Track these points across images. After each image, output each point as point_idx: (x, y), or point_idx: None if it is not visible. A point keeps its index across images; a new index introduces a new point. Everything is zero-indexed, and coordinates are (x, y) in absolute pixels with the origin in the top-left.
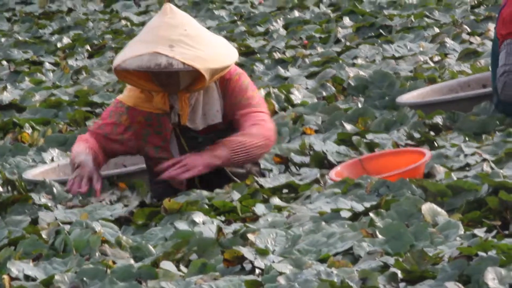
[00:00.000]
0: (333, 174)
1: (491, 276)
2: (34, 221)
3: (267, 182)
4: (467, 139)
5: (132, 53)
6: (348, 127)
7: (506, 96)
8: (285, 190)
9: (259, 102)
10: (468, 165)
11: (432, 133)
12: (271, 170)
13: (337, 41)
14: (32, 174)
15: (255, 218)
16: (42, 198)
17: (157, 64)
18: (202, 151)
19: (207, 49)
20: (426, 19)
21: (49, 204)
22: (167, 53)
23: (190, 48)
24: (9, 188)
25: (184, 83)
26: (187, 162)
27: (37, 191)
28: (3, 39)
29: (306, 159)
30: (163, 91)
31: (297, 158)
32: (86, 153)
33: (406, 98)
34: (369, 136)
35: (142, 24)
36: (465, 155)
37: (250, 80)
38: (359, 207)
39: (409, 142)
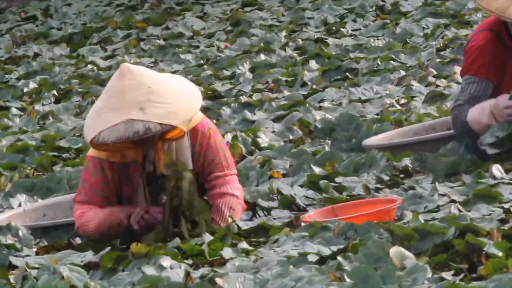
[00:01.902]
0: (306, 217)
1: None
2: (5, 266)
3: (246, 225)
4: (439, 179)
5: (104, 124)
6: (317, 170)
7: (455, 131)
8: (258, 232)
9: (230, 162)
10: (438, 207)
11: (401, 175)
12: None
13: (304, 84)
14: None
15: (223, 262)
16: (8, 240)
17: (135, 132)
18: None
19: (175, 101)
20: (392, 62)
21: (17, 246)
22: (141, 117)
23: (160, 105)
24: None
25: (157, 135)
26: None
27: (3, 233)
28: None
29: (274, 204)
30: (137, 146)
31: (265, 203)
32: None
33: (372, 141)
34: (338, 179)
35: (109, 68)
36: (439, 195)
37: (221, 136)
38: (326, 251)
39: (378, 186)
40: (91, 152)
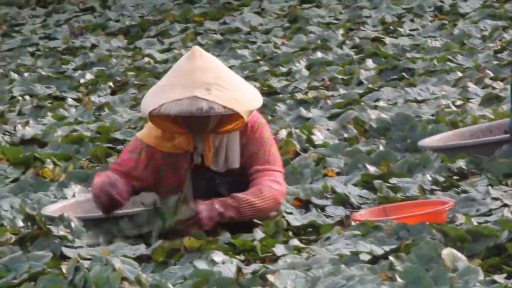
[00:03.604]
0: (357, 216)
1: None
2: (57, 256)
3: (296, 220)
4: (495, 181)
5: (167, 98)
6: (372, 169)
7: None
8: (309, 229)
9: (276, 158)
10: (490, 210)
11: (456, 177)
12: (290, 213)
13: (360, 83)
14: (50, 210)
15: (275, 258)
16: (60, 231)
17: (198, 108)
18: (212, 204)
19: (240, 91)
20: (449, 63)
21: (69, 237)
22: (206, 97)
23: (226, 91)
24: (29, 223)
25: (211, 125)
26: (201, 220)
27: (55, 224)
28: (26, 74)
29: (328, 202)
30: (189, 133)
31: (318, 201)
32: (110, 178)
33: (428, 142)
34: (392, 180)
35: (165, 61)
36: (492, 199)
37: (271, 133)
38: (379, 250)
39: (434, 187)
40: (140, 134)
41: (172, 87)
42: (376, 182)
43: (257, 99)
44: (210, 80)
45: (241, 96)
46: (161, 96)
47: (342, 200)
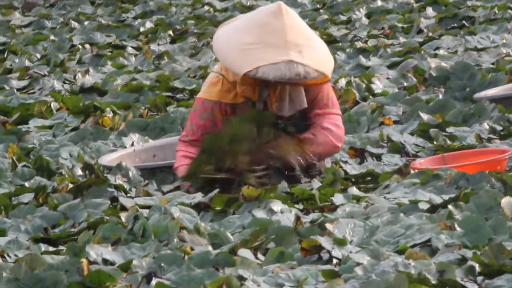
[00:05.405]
0: (417, 164)
1: None
2: (114, 204)
3: (354, 169)
4: None
5: (263, 60)
6: (426, 117)
7: None
8: (367, 178)
9: (334, 102)
10: None
11: None
12: (346, 162)
13: (420, 31)
14: (108, 159)
15: (333, 207)
16: (117, 180)
17: (297, 74)
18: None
19: (322, 48)
20: (509, 11)
21: (125, 186)
22: (300, 60)
23: (314, 51)
24: (87, 172)
25: None
26: None
27: (113, 173)
28: (86, 23)
29: (383, 151)
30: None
31: (374, 150)
32: None
33: (485, 94)
34: (450, 129)
35: (225, 10)
36: None
37: None
38: (438, 199)
39: (491, 136)
40: (202, 94)
41: (265, 47)
42: (432, 131)
43: (331, 56)
44: (300, 41)
45: (325, 55)
46: (253, 55)
47: (398, 149)
